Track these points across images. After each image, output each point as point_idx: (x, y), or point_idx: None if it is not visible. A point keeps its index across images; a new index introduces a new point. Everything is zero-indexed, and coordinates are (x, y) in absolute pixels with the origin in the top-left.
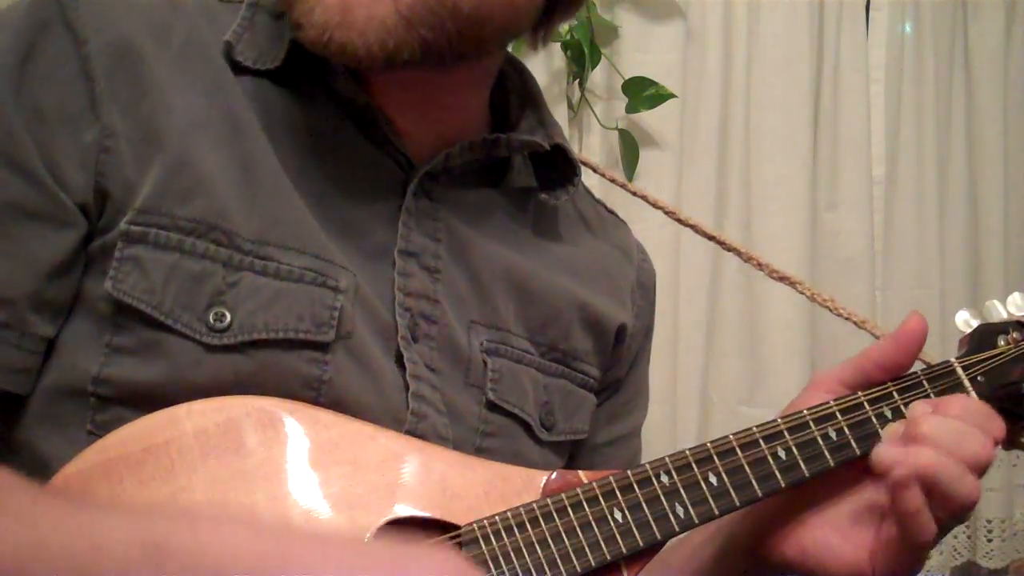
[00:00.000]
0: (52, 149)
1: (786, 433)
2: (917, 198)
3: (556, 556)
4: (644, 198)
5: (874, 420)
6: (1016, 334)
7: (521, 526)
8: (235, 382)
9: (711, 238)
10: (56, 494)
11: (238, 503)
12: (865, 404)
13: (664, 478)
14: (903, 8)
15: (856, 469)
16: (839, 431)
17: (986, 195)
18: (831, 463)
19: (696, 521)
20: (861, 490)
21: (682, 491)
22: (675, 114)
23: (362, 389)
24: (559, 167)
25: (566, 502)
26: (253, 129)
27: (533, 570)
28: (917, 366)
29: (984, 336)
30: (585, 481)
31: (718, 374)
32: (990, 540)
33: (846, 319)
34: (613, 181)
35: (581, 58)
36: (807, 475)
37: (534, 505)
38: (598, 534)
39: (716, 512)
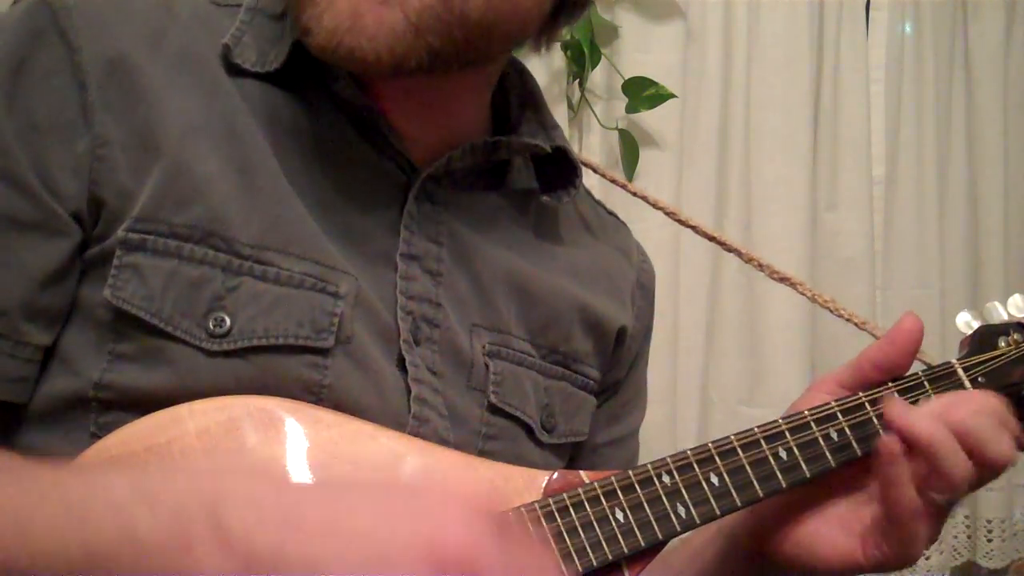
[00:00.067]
0: (44, 158)
1: (787, 433)
2: (917, 198)
3: (558, 555)
4: (644, 198)
5: (875, 421)
6: (1017, 335)
7: None
8: (236, 387)
9: (712, 239)
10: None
11: None
12: (866, 404)
13: (666, 478)
14: (903, 8)
15: (855, 469)
16: (840, 432)
17: (986, 195)
18: (832, 463)
19: (698, 521)
20: (857, 487)
21: (684, 491)
22: (675, 114)
23: (363, 393)
24: (560, 168)
25: (567, 502)
26: (252, 132)
27: None
28: (919, 367)
29: (985, 337)
30: (587, 481)
31: (718, 374)
32: (990, 540)
33: (847, 320)
34: (614, 182)
35: (581, 58)
36: (808, 475)
37: (536, 505)
38: (599, 533)
39: (718, 512)
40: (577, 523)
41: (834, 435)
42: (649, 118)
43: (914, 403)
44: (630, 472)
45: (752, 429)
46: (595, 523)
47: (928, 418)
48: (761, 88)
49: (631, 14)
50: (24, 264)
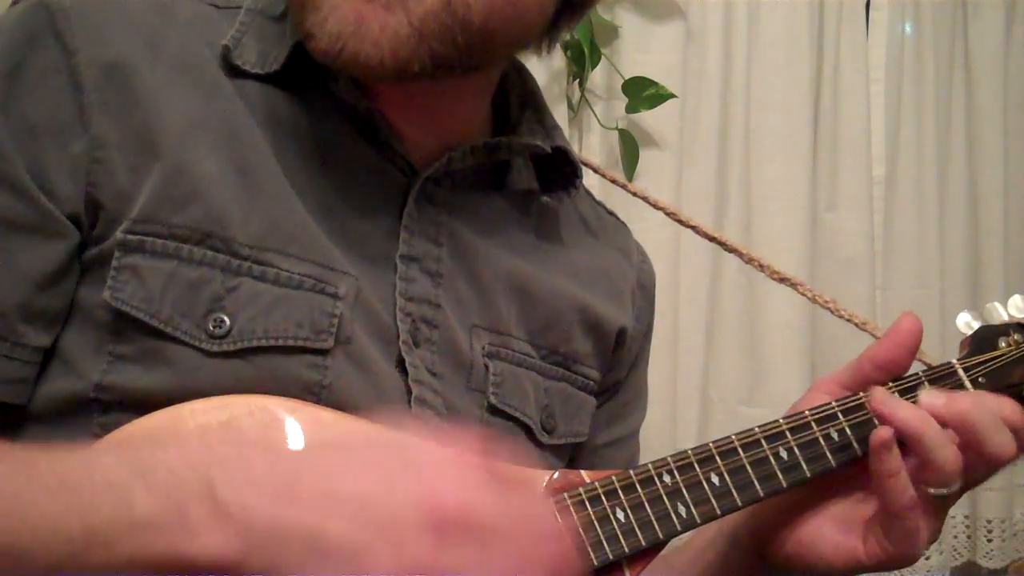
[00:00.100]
0: (41, 161)
1: (788, 433)
2: (917, 198)
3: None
4: (645, 199)
5: (875, 421)
6: (1017, 336)
7: None
8: (236, 387)
9: (713, 239)
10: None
11: None
12: (867, 405)
13: (666, 478)
14: (903, 8)
15: (856, 468)
16: (841, 431)
17: (986, 195)
18: (833, 463)
19: (698, 521)
20: (857, 486)
21: (684, 491)
22: (675, 114)
23: (362, 394)
24: (561, 169)
25: (568, 501)
26: (252, 133)
27: None
28: (919, 368)
29: (985, 338)
30: (587, 480)
31: (718, 374)
32: (990, 540)
33: (848, 321)
34: (614, 182)
35: (581, 58)
36: (809, 475)
37: None
38: (600, 533)
39: (718, 512)
40: (578, 523)
41: (835, 435)
42: (649, 118)
43: (914, 403)
44: (631, 471)
45: (753, 429)
46: (596, 522)
47: (912, 408)
48: (761, 88)
49: (631, 14)
50: (20, 266)
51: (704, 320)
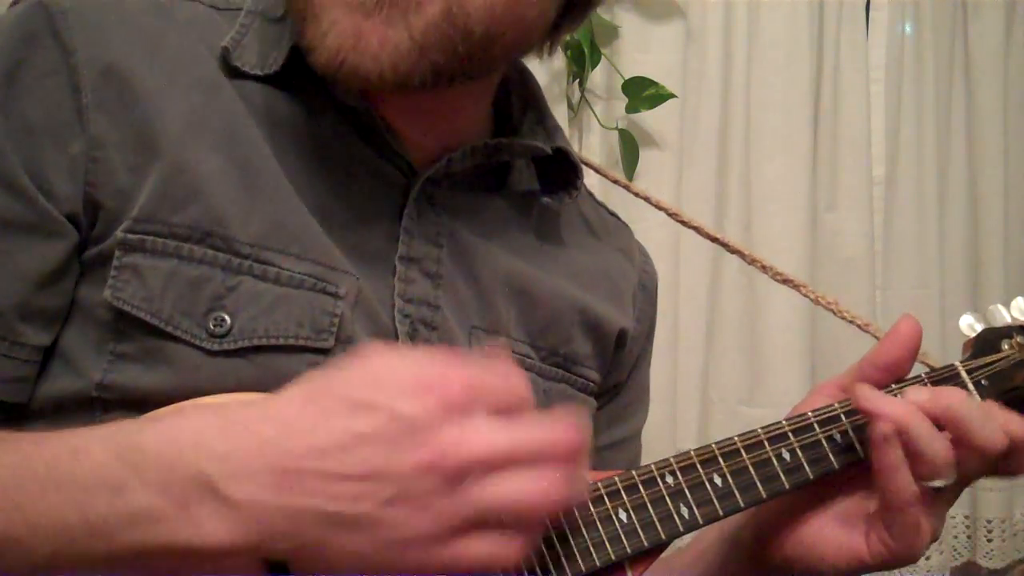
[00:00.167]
0: (39, 161)
1: (791, 435)
2: (917, 198)
3: (561, 556)
4: (647, 199)
5: None
6: (1020, 338)
7: None
8: (237, 387)
9: (714, 240)
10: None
11: None
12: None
13: (669, 479)
14: (903, 8)
15: (857, 469)
16: (844, 433)
17: (986, 195)
18: (836, 465)
19: (701, 522)
20: (859, 486)
21: (687, 492)
22: (675, 114)
23: None
24: (562, 170)
25: None
26: (252, 133)
27: (538, 570)
28: (921, 370)
29: (988, 340)
30: (590, 481)
31: (718, 374)
32: (990, 540)
33: (850, 322)
34: (616, 182)
35: (581, 58)
36: (811, 477)
37: None
38: (603, 533)
39: (720, 513)
40: (580, 523)
41: (837, 437)
42: (649, 118)
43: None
44: (634, 472)
45: (756, 430)
46: (598, 523)
47: (897, 402)
48: (761, 88)
49: (631, 14)
50: (19, 265)
51: (704, 320)
